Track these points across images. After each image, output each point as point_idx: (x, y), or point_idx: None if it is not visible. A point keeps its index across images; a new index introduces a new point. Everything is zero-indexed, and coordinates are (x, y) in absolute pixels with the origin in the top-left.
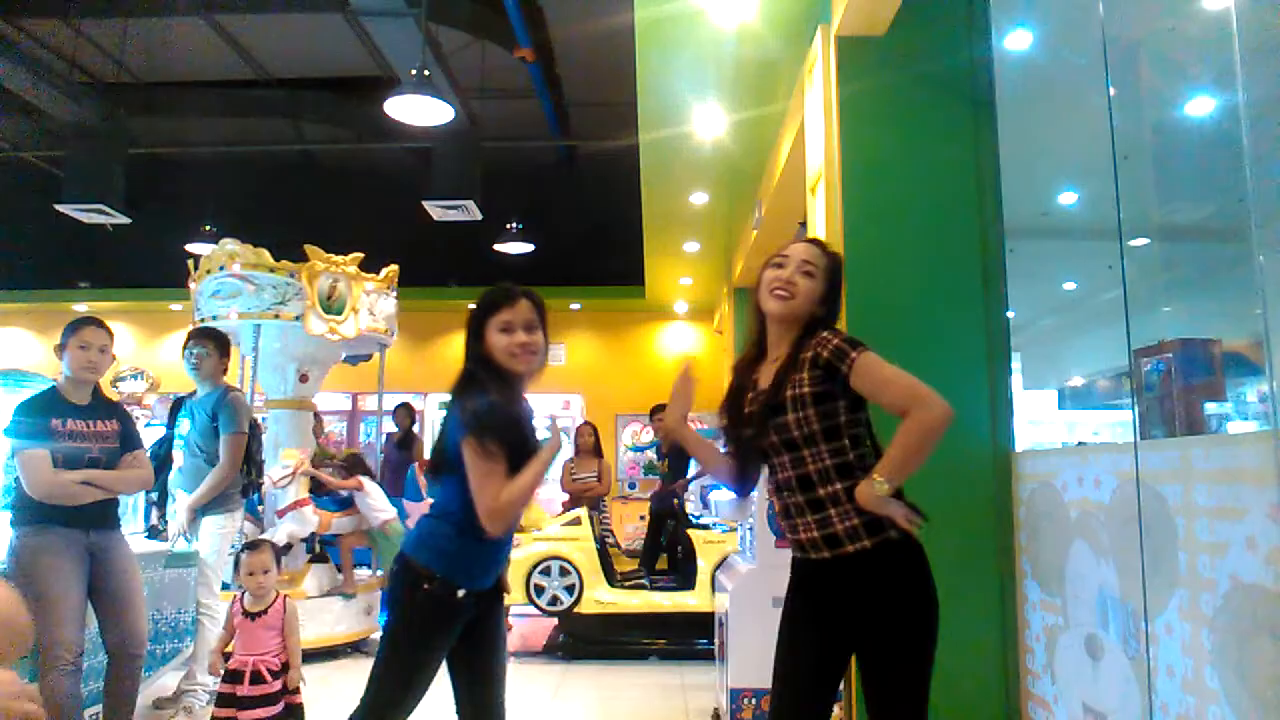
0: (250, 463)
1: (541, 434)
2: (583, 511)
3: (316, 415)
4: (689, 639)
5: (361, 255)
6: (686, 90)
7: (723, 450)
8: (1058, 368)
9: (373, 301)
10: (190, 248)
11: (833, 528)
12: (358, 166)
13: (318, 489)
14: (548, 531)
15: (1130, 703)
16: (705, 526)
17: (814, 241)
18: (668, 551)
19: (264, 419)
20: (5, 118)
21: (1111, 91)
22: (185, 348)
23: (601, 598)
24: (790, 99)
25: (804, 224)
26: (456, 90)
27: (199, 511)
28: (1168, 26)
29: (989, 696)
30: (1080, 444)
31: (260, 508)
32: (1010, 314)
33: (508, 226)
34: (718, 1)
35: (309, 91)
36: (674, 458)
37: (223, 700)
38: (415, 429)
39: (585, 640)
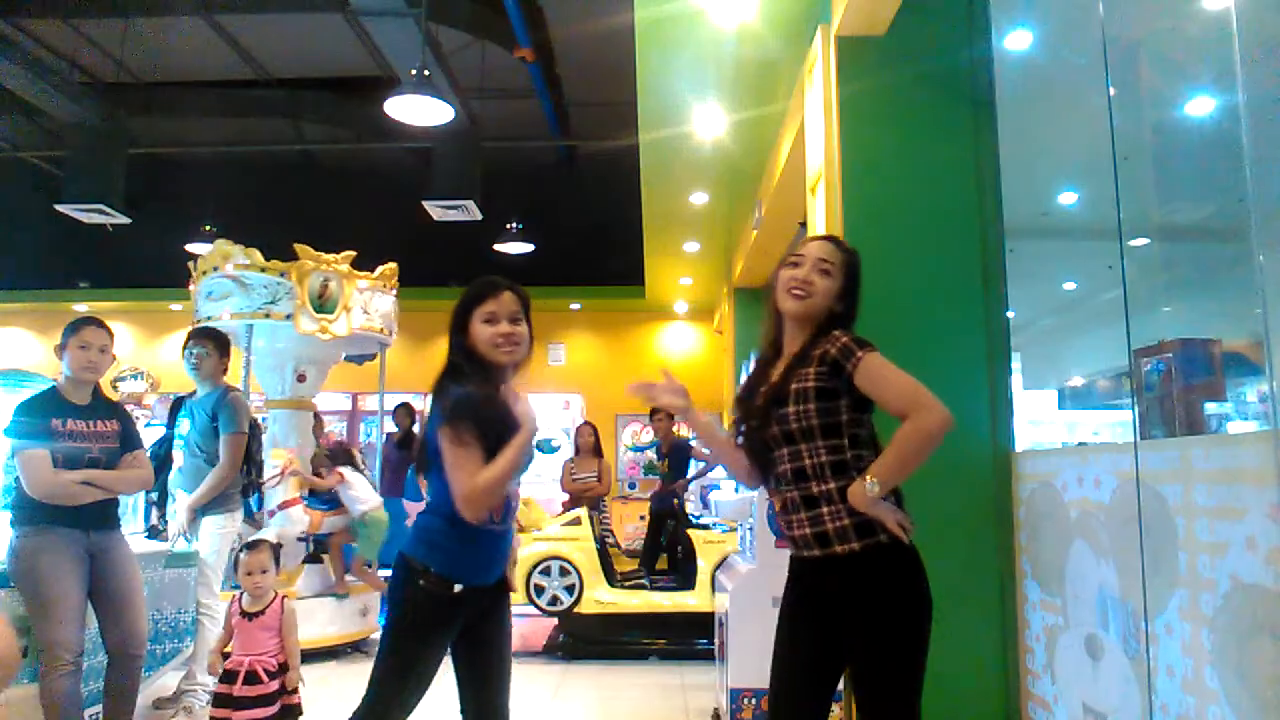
0: (250, 463)
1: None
2: (583, 511)
3: (317, 416)
4: (689, 639)
5: (354, 253)
6: (686, 90)
7: (736, 443)
8: (1058, 368)
9: (366, 300)
10: (190, 248)
11: (823, 526)
12: (358, 166)
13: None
14: (548, 531)
15: (1130, 703)
16: (705, 526)
17: (830, 239)
18: (668, 551)
19: (264, 419)
20: (5, 118)
21: (1111, 91)
22: (185, 348)
23: (601, 598)
24: (790, 99)
25: (804, 224)
26: (456, 90)
27: (199, 511)
28: (1168, 26)
29: (989, 696)
30: (1080, 444)
31: (258, 513)
32: (1010, 314)
33: (508, 226)
34: (718, 1)
35: (309, 91)
36: (674, 458)
37: (219, 700)
38: (415, 429)
39: (585, 640)
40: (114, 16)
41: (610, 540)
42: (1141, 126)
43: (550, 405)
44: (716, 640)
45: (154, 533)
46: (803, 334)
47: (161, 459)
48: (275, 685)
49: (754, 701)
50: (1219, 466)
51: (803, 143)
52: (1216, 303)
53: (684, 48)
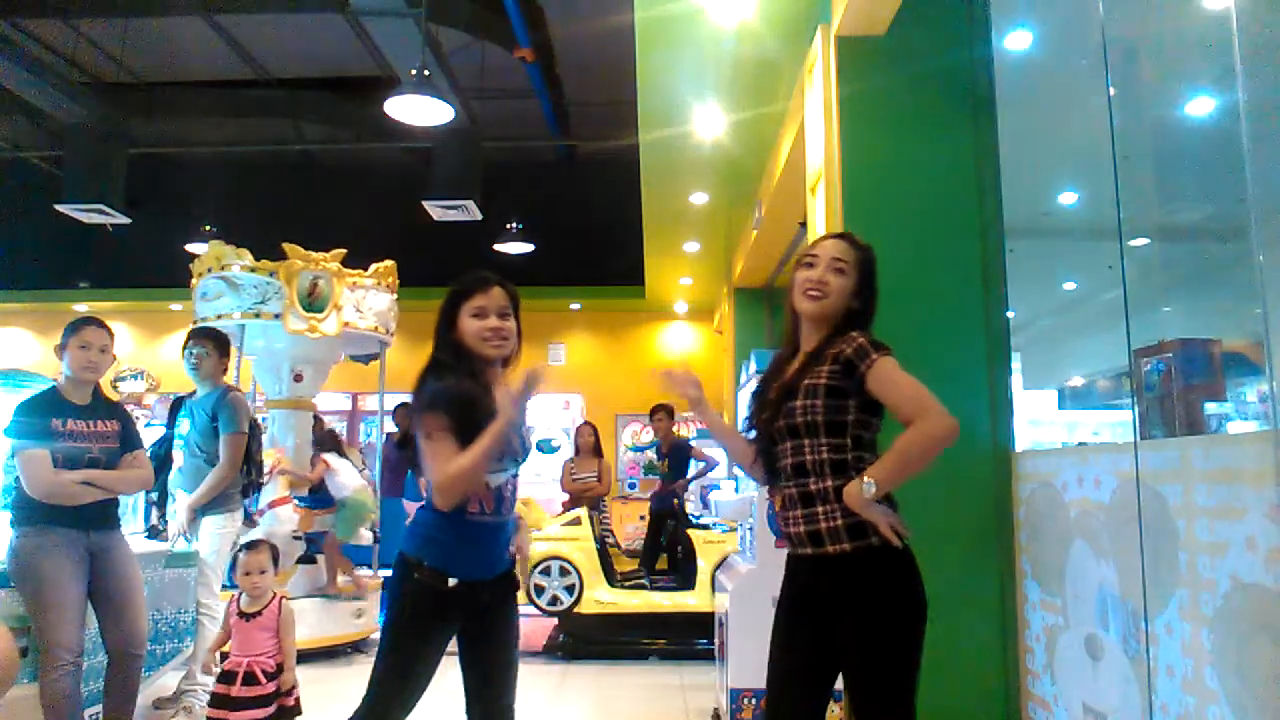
0: (250, 463)
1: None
2: (583, 511)
3: (316, 416)
4: (689, 639)
5: (344, 251)
6: (686, 90)
7: (748, 438)
8: (1058, 368)
9: (359, 298)
10: (190, 248)
11: (817, 525)
12: (358, 166)
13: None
14: (548, 531)
15: (1130, 703)
16: (705, 526)
17: (843, 236)
18: (668, 551)
19: (264, 419)
20: (5, 118)
21: (1111, 91)
22: (185, 348)
23: (601, 598)
24: (790, 99)
25: (804, 224)
26: (456, 90)
27: (199, 511)
28: (1168, 26)
29: (989, 696)
30: (1080, 444)
31: (254, 513)
32: (1010, 314)
33: (508, 226)
34: (718, 1)
35: (309, 91)
36: (674, 458)
37: (217, 701)
38: None
39: (585, 640)
40: (114, 16)
41: (610, 540)
42: (1141, 127)
43: (550, 405)
44: (716, 640)
45: (154, 533)
46: (820, 333)
47: (161, 459)
48: (273, 687)
49: (754, 702)
50: (1219, 466)
51: (803, 143)
52: (1216, 303)
53: (684, 47)
